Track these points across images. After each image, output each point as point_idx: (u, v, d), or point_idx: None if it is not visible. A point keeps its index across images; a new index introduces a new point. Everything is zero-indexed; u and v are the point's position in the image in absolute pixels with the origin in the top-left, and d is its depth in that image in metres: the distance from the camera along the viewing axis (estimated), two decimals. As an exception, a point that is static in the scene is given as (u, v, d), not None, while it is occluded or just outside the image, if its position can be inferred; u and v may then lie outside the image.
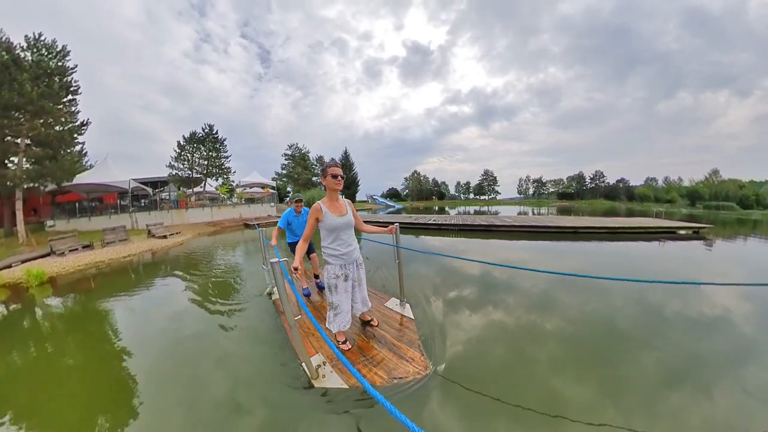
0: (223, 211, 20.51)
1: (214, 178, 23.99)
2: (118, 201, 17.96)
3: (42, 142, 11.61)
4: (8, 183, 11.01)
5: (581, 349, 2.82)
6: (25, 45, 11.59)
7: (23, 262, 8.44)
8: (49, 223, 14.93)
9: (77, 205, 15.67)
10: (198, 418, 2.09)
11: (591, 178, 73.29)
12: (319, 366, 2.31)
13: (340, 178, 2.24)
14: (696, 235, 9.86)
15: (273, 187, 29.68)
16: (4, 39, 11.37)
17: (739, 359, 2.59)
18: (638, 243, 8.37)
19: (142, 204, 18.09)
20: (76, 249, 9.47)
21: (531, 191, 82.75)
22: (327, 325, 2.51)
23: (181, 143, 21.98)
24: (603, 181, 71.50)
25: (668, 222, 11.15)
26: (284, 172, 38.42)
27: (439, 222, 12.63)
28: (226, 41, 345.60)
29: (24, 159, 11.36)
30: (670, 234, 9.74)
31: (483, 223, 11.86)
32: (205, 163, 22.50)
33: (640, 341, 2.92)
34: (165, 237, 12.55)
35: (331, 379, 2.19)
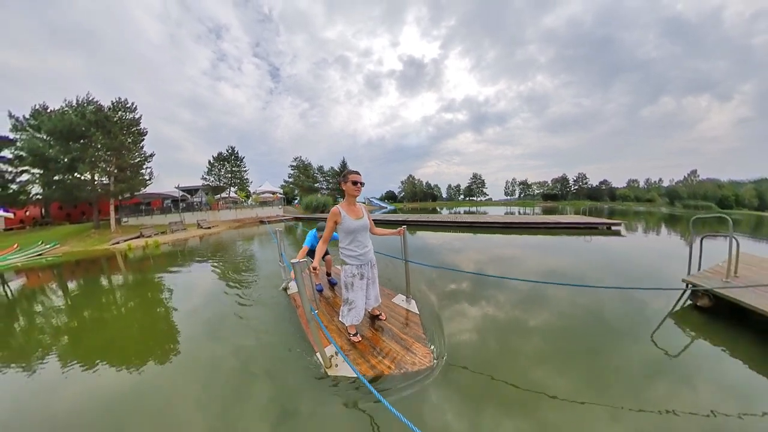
0: (244, 211, 24.96)
1: (236, 187, 28.60)
2: (163, 204, 22.47)
3: (124, 169, 16.16)
4: (104, 195, 15.60)
5: (578, 341, 2.79)
6: (111, 106, 16.11)
7: (125, 240, 12.97)
8: (124, 219, 19.57)
9: (142, 208, 20.37)
10: (220, 398, 2.14)
11: (574, 181, 71.82)
12: (332, 356, 2.28)
13: (359, 185, 2.24)
14: (610, 230, 10.43)
15: (281, 193, 34.27)
16: (95, 101, 15.96)
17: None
18: (574, 237, 9.19)
19: (182, 206, 22.41)
20: (157, 234, 14.07)
21: (517, 193, 79.72)
22: (341, 319, 2.48)
23: (211, 161, 26.67)
24: (586, 183, 70.27)
25: (591, 219, 12.16)
26: (291, 180, 43.22)
27: (438, 220, 14.47)
28: (239, 60, 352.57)
29: (113, 180, 15.92)
30: (593, 229, 10.57)
31: (455, 220, 14.35)
32: (229, 176, 27.14)
33: (626, 332, 2.95)
34: (209, 228, 17.19)
35: (343, 368, 2.17)
